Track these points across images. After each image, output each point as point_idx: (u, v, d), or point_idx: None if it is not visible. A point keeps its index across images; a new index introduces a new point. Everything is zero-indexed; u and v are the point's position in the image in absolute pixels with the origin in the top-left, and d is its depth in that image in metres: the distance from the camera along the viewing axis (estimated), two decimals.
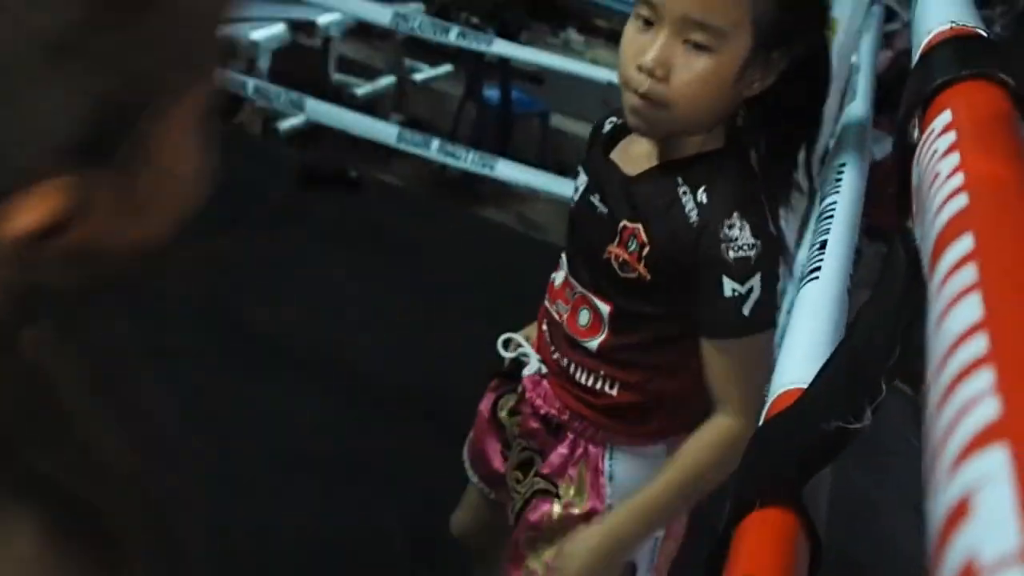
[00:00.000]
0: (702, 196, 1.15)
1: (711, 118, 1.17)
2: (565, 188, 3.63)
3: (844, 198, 1.12)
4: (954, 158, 0.39)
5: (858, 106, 1.57)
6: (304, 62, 5.82)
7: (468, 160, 3.50)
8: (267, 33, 5.24)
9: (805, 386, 0.62)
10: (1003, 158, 0.36)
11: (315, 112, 3.77)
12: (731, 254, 1.12)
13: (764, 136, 1.21)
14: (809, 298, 0.90)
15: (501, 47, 3.76)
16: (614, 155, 1.27)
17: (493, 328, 1.46)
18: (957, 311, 0.29)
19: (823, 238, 1.02)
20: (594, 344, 1.26)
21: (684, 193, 1.16)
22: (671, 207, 1.16)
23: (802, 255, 1.28)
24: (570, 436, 1.32)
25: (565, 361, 1.30)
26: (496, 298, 3.26)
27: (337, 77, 6.05)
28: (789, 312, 0.97)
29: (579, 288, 1.27)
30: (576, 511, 1.30)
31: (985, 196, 0.34)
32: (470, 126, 5.85)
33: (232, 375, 2.53)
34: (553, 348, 1.33)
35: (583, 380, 1.28)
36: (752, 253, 1.12)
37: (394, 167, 5.51)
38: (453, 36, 3.47)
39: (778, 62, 1.14)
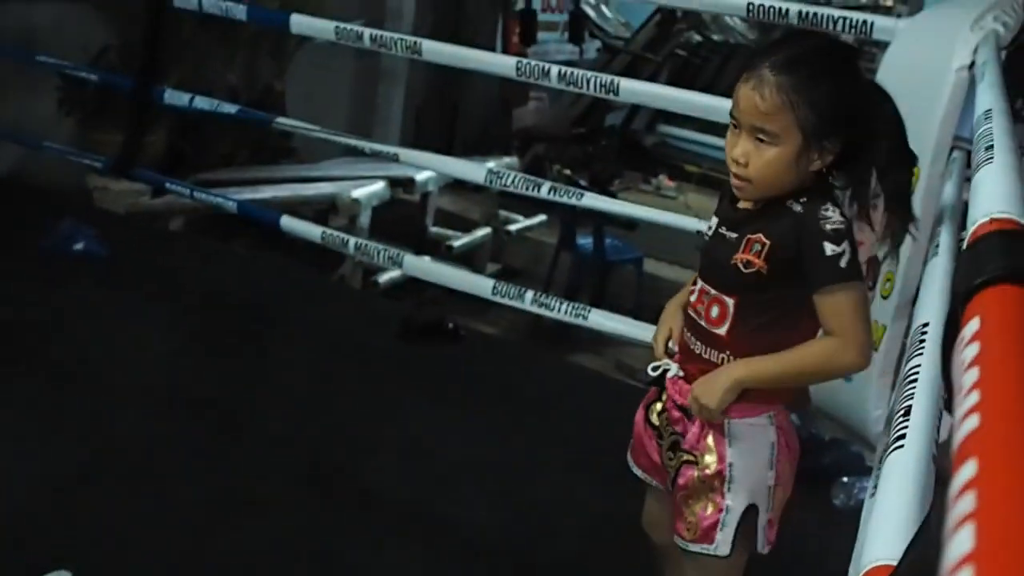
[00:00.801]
0: (802, 202, 1.63)
1: (783, 187, 1.64)
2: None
3: (927, 360, 1.13)
4: (974, 374, 0.41)
5: (941, 262, 1.58)
6: (403, 216, 6.03)
7: (562, 310, 3.56)
8: (368, 191, 5.46)
9: (894, 563, 0.64)
10: (1021, 380, 0.38)
11: (412, 267, 3.89)
12: (828, 227, 1.57)
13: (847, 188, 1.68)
14: (895, 469, 0.90)
15: (592, 201, 3.85)
16: (741, 203, 1.73)
17: (591, 477, 1.50)
18: (957, 538, 0.31)
19: (908, 404, 1.02)
20: (723, 329, 1.70)
21: (790, 204, 1.63)
22: (782, 215, 1.63)
23: (883, 411, 1.28)
24: (696, 420, 1.75)
25: (699, 347, 1.75)
26: (594, 446, 3.26)
27: (434, 230, 6.24)
28: (876, 477, 0.97)
29: (712, 292, 1.72)
30: (709, 471, 1.74)
31: (995, 422, 0.36)
32: (566, 273, 5.94)
33: (329, 525, 2.57)
34: (693, 341, 1.76)
35: (712, 359, 1.72)
36: (843, 227, 1.58)
37: (491, 316, 5.61)
38: (545, 191, 3.57)
39: (832, 147, 1.61)
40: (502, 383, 3.67)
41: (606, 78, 3.40)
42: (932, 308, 1.31)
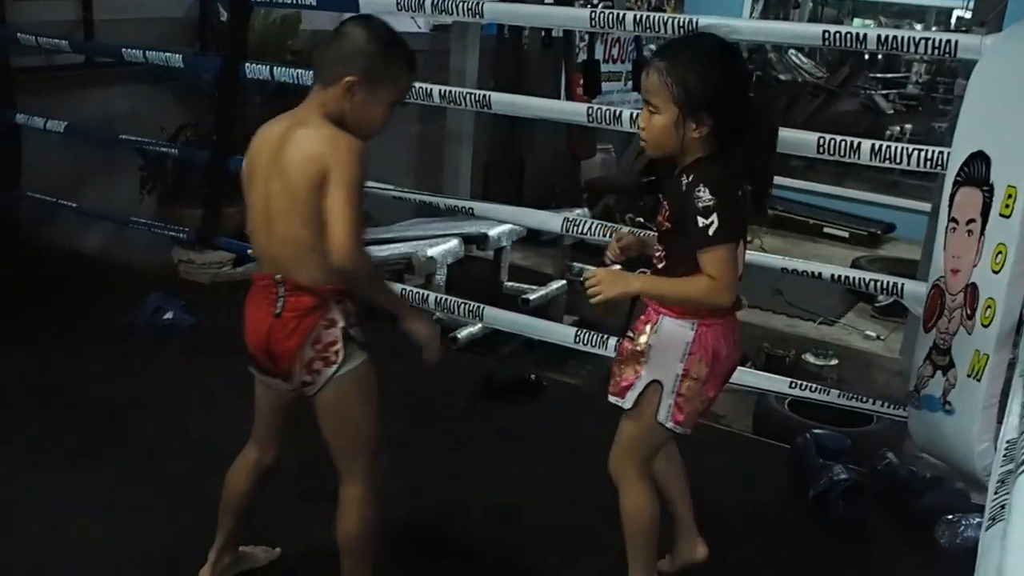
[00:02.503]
0: (688, 179, 2.16)
1: (671, 147, 2.21)
2: (743, 377, 3.59)
3: None
4: None
5: None
6: (477, 273, 6.04)
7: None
8: (443, 248, 5.48)
9: None
10: None
11: (493, 319, 3.88)
12: (700, 204, 2.11)
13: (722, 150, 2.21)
14: None
15: None
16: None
17: None
18: None
19: None
20: (661, 266, 2.30)
21: (681, 179, 2.18)
22: (676, 187, 2.19)
23: (1011, 432, 1.22)
24: (648, 309, 2.34)
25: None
26: None
27: (509, 284, 6.24)
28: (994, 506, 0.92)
29: (656, 244, 2.32)
30: (637, 348, 2.32)
31: None
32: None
33: None
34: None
35: None
36: (711, 203, 2.11)
37: (570, 368, 5.57)
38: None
39: (706, 120, 2.15)
40: (588, 433, 3.60)
41: None
42: None
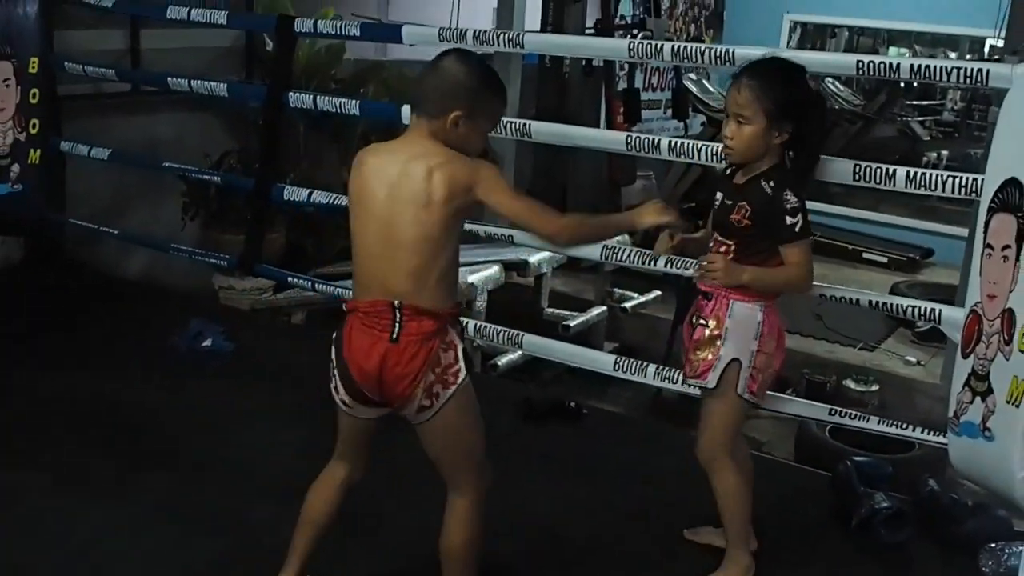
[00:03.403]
0: (771, 184, 2.58)
1: (758, 154, 2.61)
2: (786, 405, 3.59)
3: None
4: None
5: None
6: (518, 299, 6.07)
7: (683, 382, 3.51)
8: (484, 275, 5.52)
9: None
10: None
11: (532, 347, 3.91)
12: (788, 206, 2.55)
13: (795, 158, 2.68)
14: None
15: None
16: (735, 178, 2.71)
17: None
18: None
19: None
20: (731, 256, 2.64)
21: (763, 186, 2.59)
22: (760, 192, 2.59)
23: None
24: (715, 298, 2.65)
25: None
26: None
27: (550, 311, 6.25)
28: None
29: (719, 238, 2.71)
30: (714, 332, 2.65)
31: None
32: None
33: None
34: None
35: None
36: (797, 205, 2.56)
37: (610, 395, 5.57)
38: (661, 264, 3.57)
39: (787, 128, 2.57)
40: (628, 460, 3.63)
41: (716, 146, 3.40)
42: None
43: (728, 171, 2.77)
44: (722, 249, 2.66)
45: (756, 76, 2.58)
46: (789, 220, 2.55)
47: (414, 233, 2.22)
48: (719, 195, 2.72)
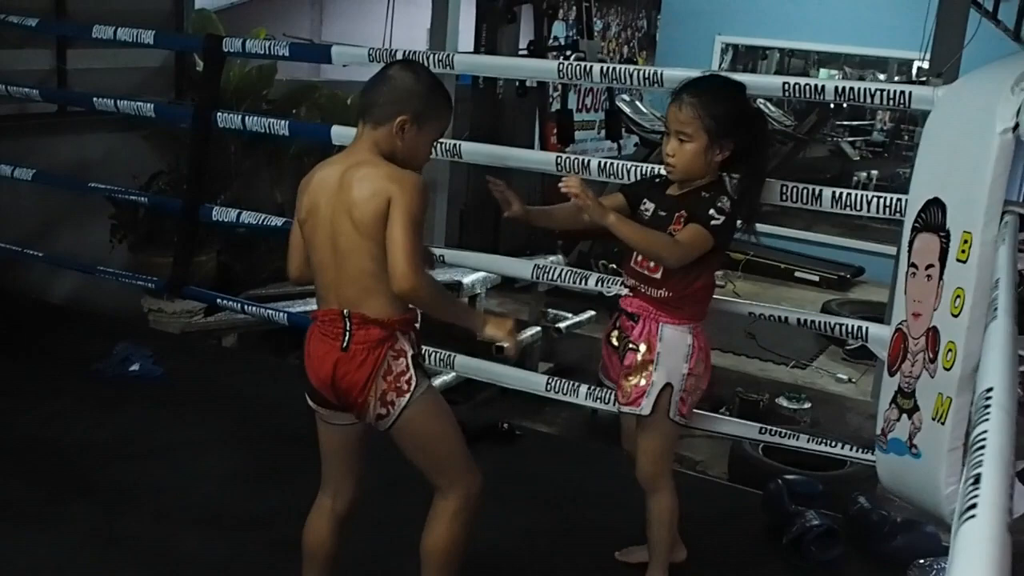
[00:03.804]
0: (710, 192, 2.57)
1: (699, 172, 2.60)
2: (718, 425, 3.60)
3: (994, 426, 1.09)
4: None
5: (1001, 324, 1.54)
6: None
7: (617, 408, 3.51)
8: None
9: None
10: None
11: (465, 368, 3.88)
12: (719, 204, 2.54)
13: (737, 175, 2.67)
14: (969, 541, 0.86)
15: None
16: (669, 190, 2.67)
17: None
18: None
19: (976, 471, 0.99)
20: (658, 274, 2.62)
21: (702, 193, 2.58)
22: (695, 199, 2.57)
23: (956, 487, 1.24)
24: (643, 321, 2.65)
25: (642, 287, 2.66)
26: None
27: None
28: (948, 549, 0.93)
29: None
30: (646, 357, 2.63)
31: None
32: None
33: None
34: (638, 282, 2.67)
35: (651, 295, 2.64)
36: (727, 210, 2.55)
37: (546, 416, 5.56)
38: (592, 283, 3.57)
39: (728, 145, 2.57)
40: (562, 481, 3.62)
41: (646, 167, 3.42)
42: (996, 372, 1.28)
43: (657, 180, 2.76)
44: (652, 263, 2.62)
45: (697, 93, 2.56)
46: (712, 212, 2.53)
47: (355, 244, 2.22)
48: (648, 204, 2.69)
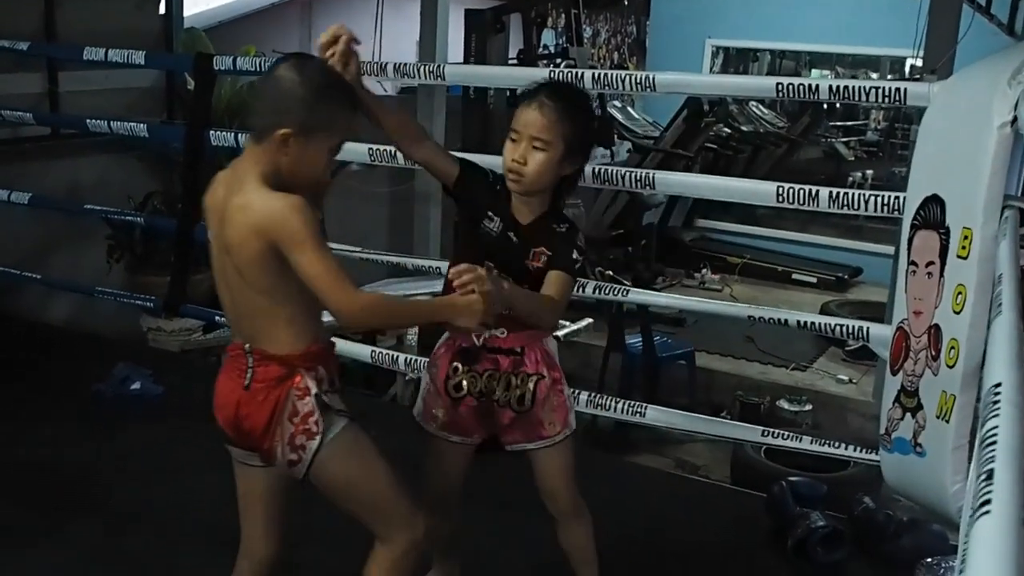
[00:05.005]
0: (564, 226, 2.35)
1: (546, 184, 2.31)
2: (720, 428, 3.60)
3: (1005, 421, 1.08)
4: None
5: (1006, 319, 1.53)
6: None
7: (618, 409, 3.51)
8: None
9: None
10: None
11: None
12: (579, 243, 2.34)
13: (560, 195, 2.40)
14: (983, 537, 0.85)
15: (639, 296, 3.83)
16: (511, 209, 2.35)
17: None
18: None
19: (989, 467, 0.98)
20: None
21: (556, 228, 2.34)
22: (555, 236, 2.32)
23: (962, 485, 1.23)
24: (529, 350, 2.37)
25: (506, 323, 2.30)
26: (666, 547, 3.17)
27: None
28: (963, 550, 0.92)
29: (512, 281, 2.27)
30: (554, 379, 2.39)
31: None
32: (617, 375, 5.88)
33: None
34: (507, 315, 2.26)
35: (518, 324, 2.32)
36: (583, 245, 2.36)
37: None
38: (590, 290, 3.56)
39: (579, 160, 2.32)
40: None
41: (640, 172, 3.43)
42: (1004, 367, 1.27)
43: (496, 187, 2.37)
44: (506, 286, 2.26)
45: (559, 98, 2.27)
46: (574, 255, 2.31)
47: (240, 283, 2.00)
48: (495, 219, 2.34)
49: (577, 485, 2.51)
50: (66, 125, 5.42)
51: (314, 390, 2.03)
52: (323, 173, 2.05)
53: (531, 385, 2.37)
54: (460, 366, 2.39)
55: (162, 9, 6.17)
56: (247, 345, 2.05)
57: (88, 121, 4.72)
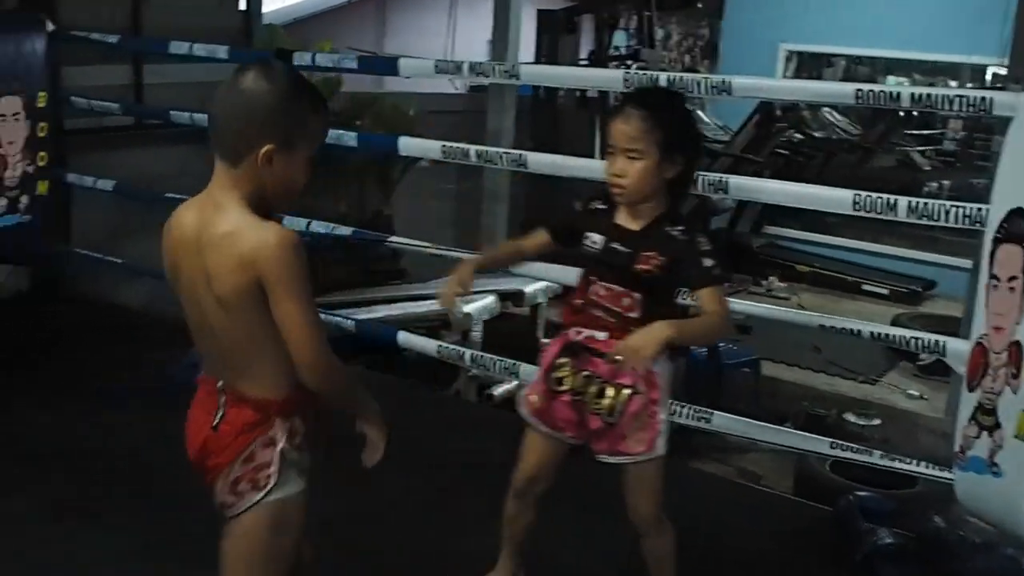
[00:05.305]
0: (678, 228, 2.35)
1: (649, 192, 2.36)
2: (788, 439, 3.54)
3: None
4: None
5: None
6: (514, 329, 6.04)
7: (684, 415, 3.47)
8: (480, 305, 5.50)
9: None
10: None
11: (529, 376, 3.86)
12: (703, 248, 2.33)
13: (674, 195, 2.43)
14: None
15: None
16: (617, 220, 2.42)
17: None
18: None
19: None
20: (635, 313, 2.36)
21: (668, 230, 2.35)
22: (664, 237, 2.35)
23: None
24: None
25: (621, 324, 2.35)
26: (726, 555, 3.14)
27: (545, 341, 6.21)
28: None
29: (618, 289, 2.38)
30: (651, 398, 2.39)
31: None
32: (681, 382, 5.83)
33: None
34: (611, 320, 2.39)
35: (629, 329, 2.28)
36: (711, 248, 2.35)
37: None
38: None
39: (680, 160, 2.35)
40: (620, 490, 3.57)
41: (714, 176, 3.38)
42: None
43: (597, 207, 2.48)
44: (625, 301, 2.38)
45: (645, 106, 2.34)
46: (706, 263, 2.33)
47: (223, 320, 1.86)
48: (596, 238, 2.43)
49: (660, 503, 2.53)
50: (150, 116, 5.58)
51: (281, 444, 1.90)
52: (305, 180, 1.91)
53: (623, 397, 2.39)
54: (565, 360, 2.45)
55: (242, 5, 6.28)
56: (220, 383, 1.92)
57: (171, 112, 4.85)
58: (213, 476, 1.95)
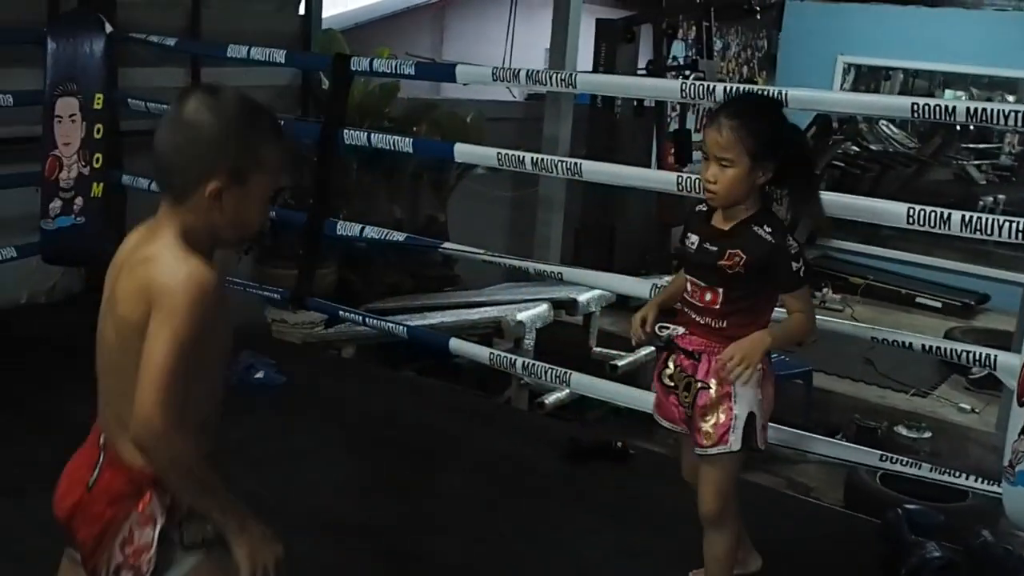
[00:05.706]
0: (768, 229, 2.45)
1: (741, 197, 2.47)
2: (837, 450, 3.54)
3: None
4: None
5: None
6: (566, 338, 6.06)
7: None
8: (532, 313, 5.53)
9: None
10: None
11: (580, 385, 3.90)
12: (793, 251, 2.45)
13: (783, 197, 2.57)
14: None
15: None
16: (713, 221, 2.54)
17: None
18: None
19: None
20: (717, 306, 2.50)
21: (756, 229, 2.46)
22: (755, 239, 2.45)
23: None
24: (706, 357, 2.52)
25: (702, 319, 2.53)
26: (775, 566, 3.14)
27: (598, 350, 6.24)
28: None
29: (703, 284, 2.52)
30: (721, 393, 2.50)
31: None
32: None
33: None
34: (694, 316, 2.55)
35: (711, 324, 2.52)
36: (799, 250, 2.46)
37: (658, 436, 5.52)
38: None
39: (771, 166, 2.44)
40: (674, 502, 3.58)
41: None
42: None
43: (699, 210, 2.63)
44: (708, 296, 2.51)
45: (736, 114, 2.45)
46: (794, 266, 2.46)
47: (114, 357, 1.67)
48: (693, 238, 2.57)
49: (726, 502, 2.61)
50: None
51: (160, 523, 1.64)
52: (264, 214, 1.74)
53: (695, 390, 2.54)
54: (670, 357, 2.63)
55: (301, 10, 6.37)
56: (103, 438, 1.71)
57: None
58: (79, 548, 1.73)
